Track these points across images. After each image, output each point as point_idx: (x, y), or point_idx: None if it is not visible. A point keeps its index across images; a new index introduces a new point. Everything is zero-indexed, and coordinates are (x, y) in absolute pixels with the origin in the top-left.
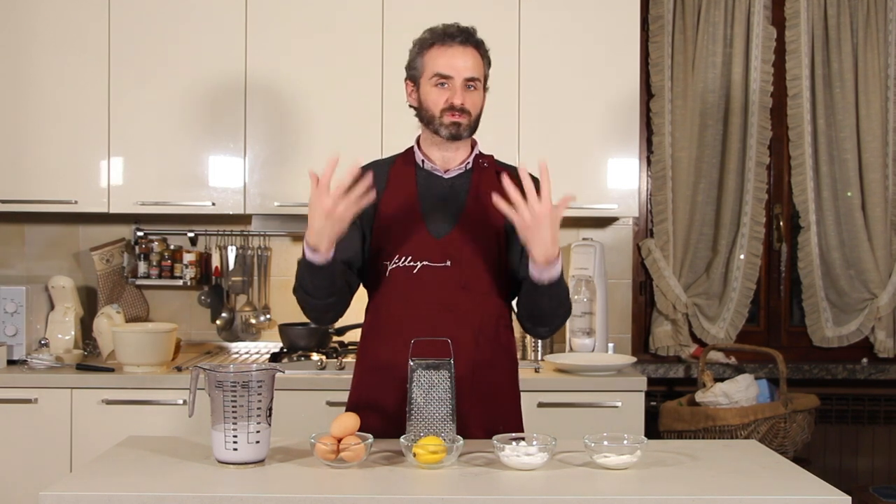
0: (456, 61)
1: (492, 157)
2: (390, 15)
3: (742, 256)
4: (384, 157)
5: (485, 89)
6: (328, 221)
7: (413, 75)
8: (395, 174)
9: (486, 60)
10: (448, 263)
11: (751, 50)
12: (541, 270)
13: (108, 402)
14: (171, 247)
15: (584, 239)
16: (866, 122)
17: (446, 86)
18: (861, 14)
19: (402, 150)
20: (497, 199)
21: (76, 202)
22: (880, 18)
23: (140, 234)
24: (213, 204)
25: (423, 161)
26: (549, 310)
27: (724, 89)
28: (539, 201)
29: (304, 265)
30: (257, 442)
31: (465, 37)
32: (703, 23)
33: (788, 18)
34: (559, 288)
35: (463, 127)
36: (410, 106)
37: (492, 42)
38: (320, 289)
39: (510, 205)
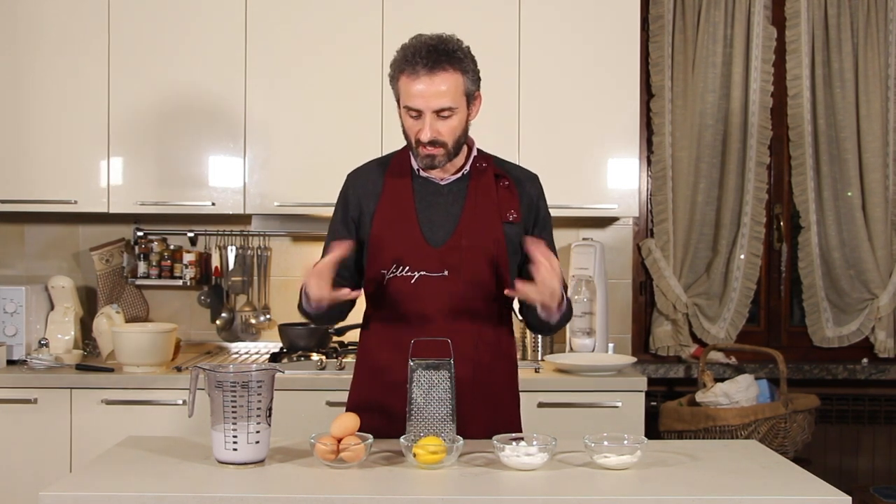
0: (425, 91)
1: (491, 157)
2: (391, 16)
3: (742, 256)
4: (380, 156)
5: (470, 101)
6: (314, 280)
7: (395, 96)
8: (390, 181)
9: (468, 73)
10: (446, 273)
11: (751, 50)
12: (549, 314)
13: (108, 402)
14: (171, 247)
15: (584, 239)
16: (867, 122)
17: (417, 118)
18: (861, 14)
19: (399, 149)
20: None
21: (76, 202)
22: (880, 18)
23: (140, 234)
24: (213, 204)
25: (419, 169)
26: (553, 327)
27: (724, 89)
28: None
29: (312, 310)
30: (257, 442)
31: (432, 62)
32: (704, 23)
33: (789, 18)
34: (563, 313)
35: (438, 159)
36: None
37: (492, 42)
38: (329, 320)
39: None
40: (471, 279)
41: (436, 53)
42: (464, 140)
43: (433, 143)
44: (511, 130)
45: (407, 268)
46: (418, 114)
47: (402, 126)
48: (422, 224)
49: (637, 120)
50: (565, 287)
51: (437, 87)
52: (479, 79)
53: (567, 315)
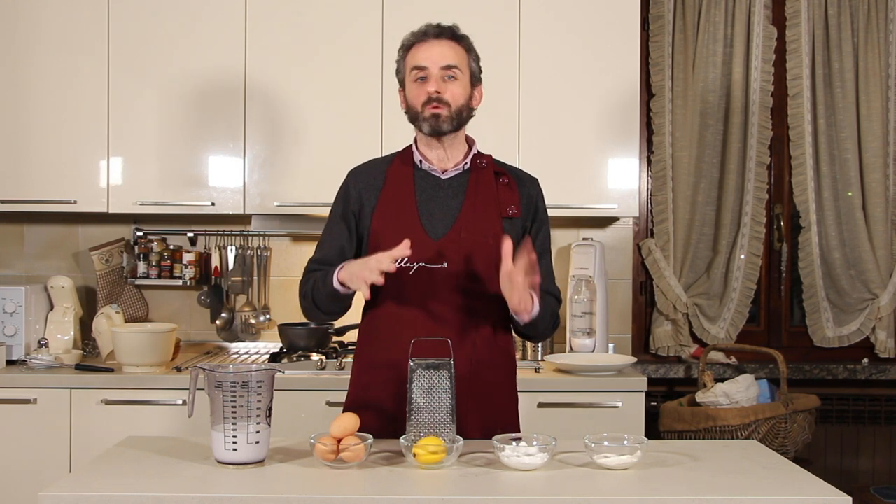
0: (431, 51)
1: (490, 156)
2: (390, 16)
3: (742, 256)
4: (383, 155)
5: (473, 83)
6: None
7: (401, 79)
8: (392, 174)
9: (472, 54)
10: (444, 265)
11: (751, 49)
12: (520, 315)
13: (108, 403)
14: (171, 247)
15: (584, 239)
16: (867, 122)
17: (425, 79)
18: (861, 14)
19: (401, 149)
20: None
21: (75, 202)
22: (881, 18)
23: (139, 234)
24: (213, 204)
25: (420, 161)
26: (535, 333)
27: (724, 89)
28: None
29: (330, 293)
30: (257, 442)
31: (439, 31)
32: (704, 22)
33: (789, 18)
34: (541, 317)
35: (443, 118)
36: (405, 112)
37: (492, 42)
38: (336, 311)
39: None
40: (469, 272)
41: (441, 28)
42: (466, 116)
43: (439, 100)
44: (511, 130)
45: (406, 259)
46: (425, 74)
47: (407, 102)
48: (422, 216)
49: (637, 120)
50: (558, 295)
51: (443, 49)
52: (480, 70)
53: (547, 325)
